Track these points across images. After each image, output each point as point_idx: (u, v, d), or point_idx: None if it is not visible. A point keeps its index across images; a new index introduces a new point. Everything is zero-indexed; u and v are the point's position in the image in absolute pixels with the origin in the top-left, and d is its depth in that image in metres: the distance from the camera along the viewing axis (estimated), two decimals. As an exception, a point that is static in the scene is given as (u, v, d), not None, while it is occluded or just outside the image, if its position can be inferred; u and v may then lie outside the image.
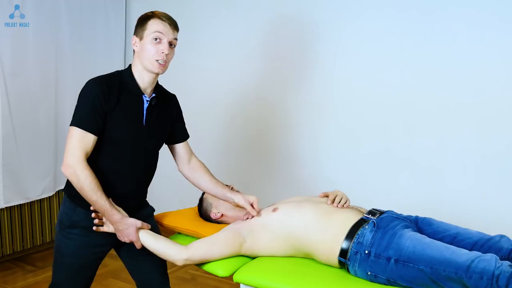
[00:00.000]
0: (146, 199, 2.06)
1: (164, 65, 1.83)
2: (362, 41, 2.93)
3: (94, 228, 1.83)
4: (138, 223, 1.83)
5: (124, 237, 1.83)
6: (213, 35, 3.55)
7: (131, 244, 1.88)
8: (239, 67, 3.44)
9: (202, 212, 2.20)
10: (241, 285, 1.83)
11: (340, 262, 1.76)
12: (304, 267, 1.81)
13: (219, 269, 1.83)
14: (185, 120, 2.16)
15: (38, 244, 3.64)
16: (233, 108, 3.52)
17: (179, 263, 1.82)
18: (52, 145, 3.55)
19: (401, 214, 1.86)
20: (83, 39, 3.69)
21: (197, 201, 2.27)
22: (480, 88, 2.61)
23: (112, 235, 1.87)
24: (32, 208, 3.57)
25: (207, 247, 1.84)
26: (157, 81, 1.94)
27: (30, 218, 3.57)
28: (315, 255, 1.83)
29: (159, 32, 1.80)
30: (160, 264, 2.00)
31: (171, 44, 1.84)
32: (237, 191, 2.07)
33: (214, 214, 2.13)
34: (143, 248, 1.86)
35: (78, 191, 1.74)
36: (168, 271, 3.09)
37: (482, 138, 2.62)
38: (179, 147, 2.10)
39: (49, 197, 3.64)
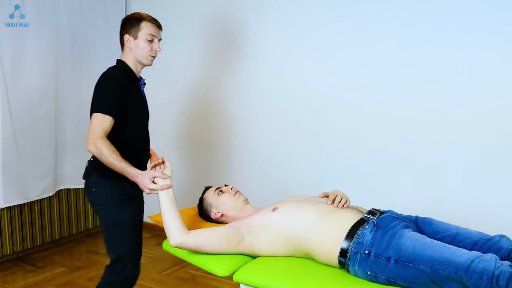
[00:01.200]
0: None
1: (154, 59, 2.29)
2: (360, 42, 2.93)
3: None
4: (156, 173, 1.94)
5: (144, 188, 1.94)
6: (213, 36, 3.55)
7: None
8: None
9: (202, 212, 2.20)
10: (241, 285, 1.83)
11: (340, 262, 1.76)
12: (304, 267, 1.81)
13: (219, 269, 1.83)
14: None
15: (38, 244, 3.64)
16: (234, 107, 3.52)
17: (172, 242, 1.84)
18: (52, 145, 3.55)
19: (401, 214, 1.86)
20: (83, 39, 3.69)
21: (197, 201, 2.27)
22: (480, 88, 2.61)
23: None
24: (32, 208, 3.57)
25: (204, 238, 1.85)
26: None
27: (30, 218, 3.57)
28: (315, 255, 1.83)
29: (152, 34, 2.24)
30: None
31: (158, 42, 2.29)
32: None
33: (214, 214, 2.13)
34: None
35: (100, 160, 2.02)
36: (168, 271, 3.08)
37: (482, 138, 2.63)
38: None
39: (49, 197, 3.64)
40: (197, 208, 2.28)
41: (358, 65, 2.96)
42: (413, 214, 1.94)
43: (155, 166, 2.05)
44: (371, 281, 1.71)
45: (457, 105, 2.68)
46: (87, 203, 3.97)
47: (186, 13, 3.68)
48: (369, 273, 1.69)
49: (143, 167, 2.21)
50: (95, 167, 2.22)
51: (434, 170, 2.78)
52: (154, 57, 2.27)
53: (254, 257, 1.93)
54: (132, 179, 1.98)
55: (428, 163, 2.79)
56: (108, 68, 2.26)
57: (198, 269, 3.10)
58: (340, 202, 1.92)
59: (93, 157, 2.20)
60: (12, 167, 3.29)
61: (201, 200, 2.22)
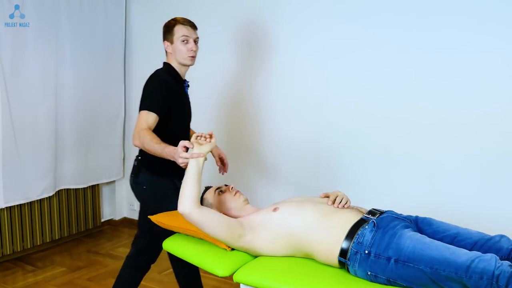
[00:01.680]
0: None
1: (194, 58, 2.38)
2: (360, 45, 2.93)
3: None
4: (185, 142, 1.93)
5: (177, 159, 1.94)
6: (213, 35, 3.55)
7: None
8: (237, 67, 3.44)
9: (202, 212, 2.20)
10: (241, 285, 1.83)
11: (340, 262, 1.76)
12: (304, 267, 1.81)
13: (219, 269, 1.83)
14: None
15: (38, 244, 3.64)
16: (234, 108, 3.52)
17: (180, 208, 1.84)
18: (52, 145, 3.55)
19: (401, 214, 1.86)
20: (83, 39, 3.70)
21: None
22: (480, 88, 2.61)
23: None
24: (32, 208, 3.57)
25: (210, 218, 1.85)
26: None
27: (30, 218, 3.57)
28: (315, 255, 1.83)
29: (185, 35, 2.34)
30: None
31: (195, 42, 2.38)
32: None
33: (214, 214, 2.13)
34: None
35: (144, 149, 2.16)
36: (168, 271, 3.08)
37: (482, 139, 2.63)
38: None
39: (49, 197, 3.64)
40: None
41: (358, 65, 2.96)
42: (413, 214, 1.94)
43: (198, 137, 1.99)
44: (371, 281, 1.71)
45: (457, 106, 2.68)
46: (87, 203, 3.97)
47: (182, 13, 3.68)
48: (369, 273, 1.69)
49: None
50: (145, 165, 2.37)
51: (434, 170, 2.78)
52: (193, 56, 2.37)
53: (254, 257, 1.94)
54: (170, 156, 2.01)
55: (428, 163, 2.79)
56: (156, 70, 2.40)
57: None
58: (340, 202, 1.92)
59: (141, 154, 2.39)
60: (12, 167, 3.30)
61: (201, 200, 2.22)
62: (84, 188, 3.90)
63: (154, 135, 2.13)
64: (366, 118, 2.96)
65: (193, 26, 2.37)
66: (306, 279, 1.73)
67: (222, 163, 2.63)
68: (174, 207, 2.05)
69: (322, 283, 1.70)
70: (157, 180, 2.36)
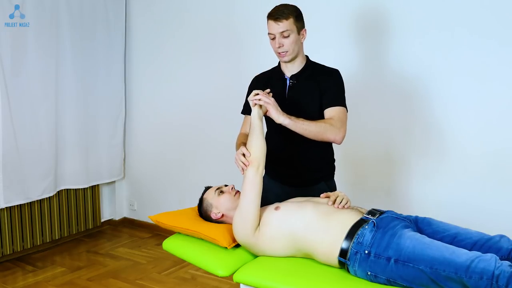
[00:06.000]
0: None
1: (285, 54, 2.11)
2: (359, 42, 2.93)
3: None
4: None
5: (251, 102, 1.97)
6: (213, 35, 3.55)
7: None
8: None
9: (202, 212, 2.20)
10: (241, 285, 1.83)
11: (340, 262, 1.77)
12: (304, 267, 1.81)
13: (219, 269, 1.84)
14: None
15: (38, 244, 3.64)
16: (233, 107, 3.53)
17: (253, 159, 1.91)
18: (52, 145, 3.55)
19: (401, 214, 1.86)
20: (83, 39, 3.70)
21: (197, 201, 2.27)
22: (480, 88, 2.61)
23: None
24: (32, 208, 3.57)
25: (258, 189, 1.90)
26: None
27: (30, 218, 3.57)
28: (315, 255, 1.83)
29: (269, 33, 2.10)
30: None
31: (284, 36, 2.07)
32: None
33: (214, 214, 2.13)
34: None
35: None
36: (168, 271, 3.08)
37: (482, 138, 2.63)
38: None
39: (49, 197, 3.64)
40: (197, 208, 2.28)
41: (358, 65, 2.95)
42: (413, 214, 1.94)
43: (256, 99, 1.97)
44: (371, 281, 1.71)
45: (457, 105, 2.68)
46: (87, 203, 3.97)
47: (182, 13, 3.68)
48: (369, 273, 1.70)
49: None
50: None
51: (434, 170, 2.78)
52: (281, 53, 2.11)
53: (254, 256, 1.94)
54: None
55: (428, 163, 2.79)
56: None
57: (198, 269, 3.10)
58: (340, 202, 1.92)
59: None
60: (13, 167, 3.30)
61: (201, 200, 2.21)
62: (84, 188, 3.90)
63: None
64: (365, 117, 2.96)
65: (276, 18, 2.06)
66: (306, 279, 1.73)
67: None
68: None
69: (322, 283, 1.71)
70: None
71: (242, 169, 1.94)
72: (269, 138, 2.15)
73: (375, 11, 2.87)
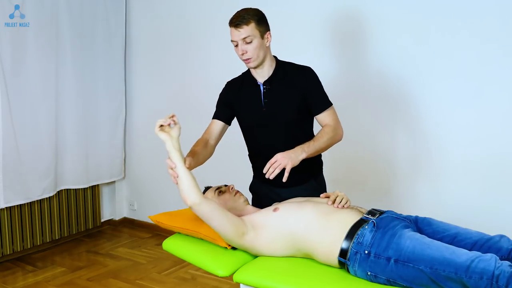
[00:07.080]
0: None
1: (250, 61, 2.04)
2: (359, 40, 2.93)
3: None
4: (160, 120, 1.89)
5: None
6: (215, 35, 3.55)
7: None
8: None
9: (202, 212, 2.20)
10: (241, 285, 1.83)
11: (340, 262, 1.76)
12: (304, 267, 1.81)
13: (219, 269, 1.83)
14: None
15: (38, 244, 3.64)
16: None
17: (189, 201, 1.84)
18: (52, 145, 3.56)
19: (401, 214, 1.86)
20: (83, 39, 3.70)
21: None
22: (480, 88, 2.61)
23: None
24: (32, 208, 3.57)
25: (217, 212, 1.85)
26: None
27: (30, 218, 3.57)
28: (315, 255, 1.83)
29: (232, 40, 2.02)
30: None
31: (247, 42, 1.99)
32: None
33: (214, 214, 2.13)
34: None
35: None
36: (168, 271, 3.08)
37: (482, 138, 2.63)
38: None
39: (49, 197, 3.64)
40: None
41: (359, 65, 2.95)
42: (413, 214, 1.94)
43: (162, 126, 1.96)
44: (371, 281, 1.70)
45: (457, 105, 2.68)
46: (87, 203, 3.97)
47: (182, 13, 3.68)
48: (369, 273, 1.69)
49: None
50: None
51: (434, 170, 2.78)
52: (246, 59, 2.04)
53: (254, 257, 1.94)
54: None
55: (428, 163, 2.79)
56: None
57: (198, 269, 3.10)
58: (340, 202, 1.92)
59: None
60: (13, 167, 3.30)
61: (201, 200, 2.22)
62: (84, 188, 3.90)
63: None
64: (365, 117, 2.96)
65: (236, 25, 1.98)
66: (306, 279, 1.73)
67: None
68: None
69: (322, 283, 1.70)
70: None
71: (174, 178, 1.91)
72: (255, 144, 2.22)
73: (354, 14, 2.87)
